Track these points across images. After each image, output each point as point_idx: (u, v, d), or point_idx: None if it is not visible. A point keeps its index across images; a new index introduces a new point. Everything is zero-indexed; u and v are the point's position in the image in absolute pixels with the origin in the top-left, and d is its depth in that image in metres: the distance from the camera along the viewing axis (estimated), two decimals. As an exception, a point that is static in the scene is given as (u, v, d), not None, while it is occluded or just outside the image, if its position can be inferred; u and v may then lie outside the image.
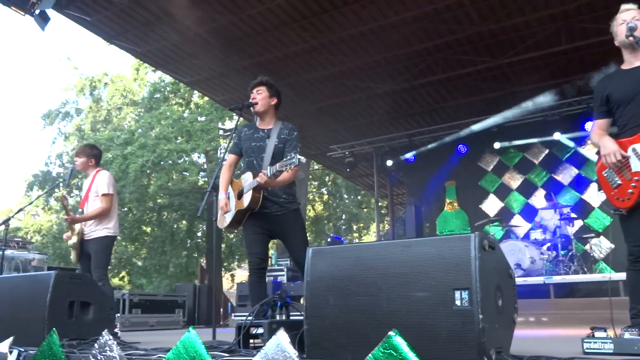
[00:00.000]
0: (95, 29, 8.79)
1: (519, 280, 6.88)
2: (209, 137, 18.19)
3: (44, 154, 47.07)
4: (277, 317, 3.07)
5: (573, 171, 9.81)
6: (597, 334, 2.64)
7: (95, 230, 4.80)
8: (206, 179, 19.12)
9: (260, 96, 3.87)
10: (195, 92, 18.18)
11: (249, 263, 3.79)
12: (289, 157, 3.32)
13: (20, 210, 7.37)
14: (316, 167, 21.02)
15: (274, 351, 2.06)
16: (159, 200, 19.25)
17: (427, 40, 8.71)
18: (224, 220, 3.87)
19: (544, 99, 8.89)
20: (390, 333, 1.87)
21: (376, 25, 8.28)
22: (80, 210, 4.85)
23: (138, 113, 22.51)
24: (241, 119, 4.24)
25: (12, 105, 53.22)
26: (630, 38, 3.01)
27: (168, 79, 19.50)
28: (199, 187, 19.17)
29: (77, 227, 4.83)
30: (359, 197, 24.14)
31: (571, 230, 8.28)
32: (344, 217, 25.16)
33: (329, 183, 24.06)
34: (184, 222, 20.08)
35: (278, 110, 3.99)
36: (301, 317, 2.51)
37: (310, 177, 21.26)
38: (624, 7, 3.18)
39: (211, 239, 17.76)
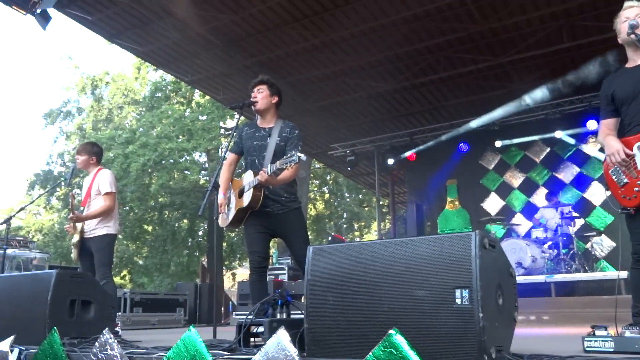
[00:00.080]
0: (97, 28, 8.80)
1: (520, 279, 6.88)
2: (210, 136, 18.21)
3: (45, 153, 47.11)
4: (278, 316, 3.07)
5: (574, 169, 9.80)
6: (598, 332, 2.64)
7: (95, 229, 4.81)
8: (207, 178, 19.14)
9: (260, 95, 3.86)
10: (197, 91, 18.22)
11: (250, 262, 3.79)
12: (289, 155, 3.31)
13: (22, 209, 7.39)
14: (317, 165, 21.02)
15: (275, 350, 2.06)
16: (160, 199, 19.27)
17: (428, 39, 8.70)
18: (225, 219, 3.87)
19: (541, 94, 8.87)
20: (391, 331, 1.87)
21: (377, 23, 8.28)
22: (81, 208, 4.86)
23: (139, 112, 22.53)
24: (242, 117, 4.24)
25: (13, 104, 53.32)
26: (632, 36, 3.00)
27: (169, 78, 19.52)
28: (200, 186, 19.19)
29: (78, 225, 4.84)
30: (360, 196, 24.14)
31: (572, 228, 8.28)
32: (345, 215, 25.17)
33: (330, 182, 24.05)
34: (185, 221, 20.10)
35: (279, 109, 3.99)
36: (302, 316, 2.51)
37: (312, 175, 21.26)
38: (627, 4, 3.16)
39: (212, 238, 17.79)
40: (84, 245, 4.82)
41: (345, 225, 25.23)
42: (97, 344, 2.61)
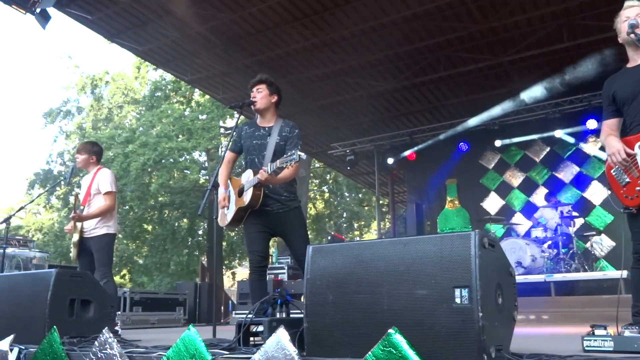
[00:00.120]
0: (96, 27, 8.80)
1: (520, 278, 6.89)
2: (210, 135, 18.21)
3: (45, 153, 47.16)
4: (277, 315, 3.07)
5: (574, 169, 9.80)
6: (597, 331, 2.64)
7: (95, 228, 4.81)
8: (207, 177, 19.14)
9: (260, 95, 3.86)
10: (196, 90, 18.21)
11: (250, 261, 3.79)
12: (289, 154, 3.31)
13: (22, 208, 7.40)
14: (317, 165, 21.03)
15: (274, 349, 2.06)
16: (160, 199, 19.27)
17: (428, 38, 8.70)
18: (225, 218, 3.87)
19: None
20: (390, 331, 1.87)
21: (377, 22, 8.28)
22: (82, 207, 4.86)
23: (139, 111, 22.53)
24: (242, 117, 4.24)
25: (13, 103, 53.29)
26: (632, 35, 3.00)
27: (169, 77, 19.52)
28: (200, 185, 19.19)
29: (78, 224, 4.84)
30: (360, 195, 24.14)
31: (572, 228, 8.28)
32: (345, 215, 25.17)
33: (330, 181, 24.06)
34: (185, 220, 20.11)
35: (278, 108, 3.99)
36: (301, 315, 2.51)
37: (312, 175, 21.26)
38: (627, 3, 3.16)
39: (212, 237, 17.79)
40: (83, 244, 4.82)
41: (345, 225, 25.24)
42: (96, 343, 2.61)
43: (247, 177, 3.74)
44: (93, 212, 4.81)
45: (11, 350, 2.96)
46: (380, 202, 13.43)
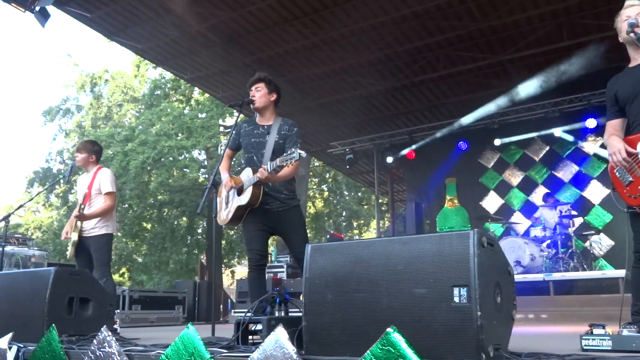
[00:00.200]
0: (96, 25, 8.79)
1: (519, 277, 6.89)
2: (210, 133, 18.21)
3: (44, 151, 47.14)
4: (276, 314, 3.07)
5: (574, 168, 9.80)
6: (596, 331, 2.64)
7: (95, 228, 4.82)
8: (206, 176, 19.14)
9: (259, 93, 3.85)
10: (196, 88, 18.18)
11: (249, 259, 3.79)
12: (289, 152, 3.31)
13: (21, 206, 7.39)
14: (317, 163, 21.03)
15: (273, 347, 2.07)
16: (159, 197, 19.27)
17: (428, 37, 8.69)
18: (224, 216, 3.87)
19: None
20: (389, 329, 1.87)
21: (377, 21, 8.27)
22: (82, 206, 4.86)
23: (139, 110, 22.52)
24: (241, 115, 4.23)
25: (12, 102, 53.25)
26: (631, 34, 2.99)
27: (168, 75, 19.52)
28: (200, 184, 19.19)
29: (78, 224, 4.84)
30: (359, 194, 24.16)
31: (571, 227, 8.28)
32: (344, 213, 25.17)
33: (330, 180, 24.07)
34: (184, 218, 20.11)
35: (278, 106, 3.98)
36: (300, 314, 2.51)
37: (311, 173, 21.26)
38: (627, 2, 3.15)
39: (211, 236, 17.79)
40: (81, 243, 4.82)
41: (344, 224, 25.26)
42: (95, 341, 2.61)
43: (247, 176, 3.73)
44: (96, 211, 4.82)
45: (10, 348, 2.96)
46: (380, 200, 13.44)
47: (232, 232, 20.11)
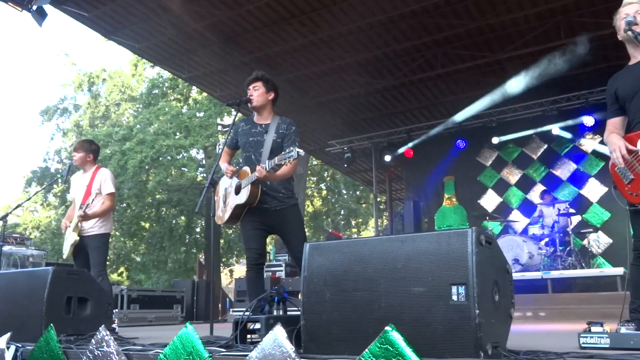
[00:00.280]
0: (93, 24, 8.78)
1: (517, 275, 6.90)
2: (208, 132, 18.17)
3: (42, 150, 47.04)
4: (275, 313, 3.07)
5: (572, 166, 9.82)
6: (594, 328, 2.64)
7: (93, 227, 4.83)
8: (205, 175, 19.12)
9: (257, 92, 3.84)
10: (194, 87, 18.16)
11: (247, 258, 3.78)
12: (288, 151, 3.30)
13: (19, 206, 7.38)
14: (315, 162, 21.02)
15: (271, 346, 2.06)
16: (157, 196, 19.24)
17: (425, 35, 8.70)
18: (222, 215, 3.87)
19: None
20: (387, 328, 1.87)
21: (375, 20, 8.27)
22: (82, 206, 4.86)
23: (136, 109, 22.47)
24: (239, 114, 4.23)
25: (10, 101, 53.10)
26: (629, 32, 3.00)
27: (166, 74, 19.46)
28: (198, 183, 19.16)
29: (79, 224, 4.83)
30: (357, 193, 24.16)
31: (569, 225, 8.29)
32: (342, 212, 25.19)
33: (328, 178, 24.06)
34: (182, 217, 20.08)
35: (275, 105, 3.98)
36: (298, 313, 2.51)
37: (309, 172, 21.25)
38: (626, 0, 3.16)
39: (210, 235, 17.78)
40: (79, 243, 4.82)
41: (342, 222, 25.26)
42: (93, 341, 2.60)
43: (244, 175, 3.73)
44: (97, 211, 4.83)
45: (8, 348, 2.95)
46: (378, 199, 13.44)
47: (231, 231, 20.09)
